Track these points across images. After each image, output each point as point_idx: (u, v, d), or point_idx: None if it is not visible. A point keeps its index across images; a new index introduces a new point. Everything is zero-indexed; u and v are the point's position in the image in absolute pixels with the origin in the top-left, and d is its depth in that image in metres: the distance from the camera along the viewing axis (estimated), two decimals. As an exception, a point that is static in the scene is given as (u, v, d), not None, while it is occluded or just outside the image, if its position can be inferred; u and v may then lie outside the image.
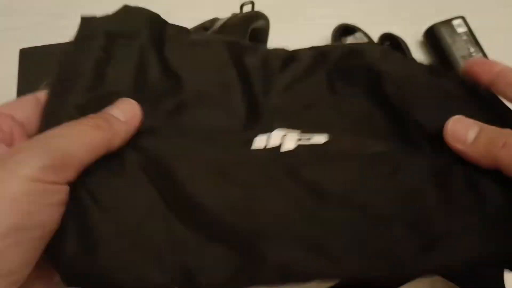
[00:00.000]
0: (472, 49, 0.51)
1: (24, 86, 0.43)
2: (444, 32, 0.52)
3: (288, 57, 0.27)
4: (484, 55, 0.51)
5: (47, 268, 0.20)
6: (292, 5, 0.57)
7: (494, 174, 0.22)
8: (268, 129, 0.24)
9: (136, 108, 0.23)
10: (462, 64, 0.50)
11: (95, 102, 0.23)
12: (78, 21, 0.26)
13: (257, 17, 0.41)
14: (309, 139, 0.24)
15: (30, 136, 0.22)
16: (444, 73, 0.26)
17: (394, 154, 0.24)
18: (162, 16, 0.28)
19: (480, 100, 0.25)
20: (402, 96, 0.25)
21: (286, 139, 0.24)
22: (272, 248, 0.21)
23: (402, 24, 0.56)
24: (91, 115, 0.22)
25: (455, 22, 0.53)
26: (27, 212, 0.18)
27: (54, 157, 0.19)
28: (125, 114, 0.22)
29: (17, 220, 0.18)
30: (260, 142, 0.24)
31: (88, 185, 0.21)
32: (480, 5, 0.57)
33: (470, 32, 0.52)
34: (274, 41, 0.47)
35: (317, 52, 0.28)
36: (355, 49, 0.28)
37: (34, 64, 0.44)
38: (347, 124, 0.25)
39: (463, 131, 0.23)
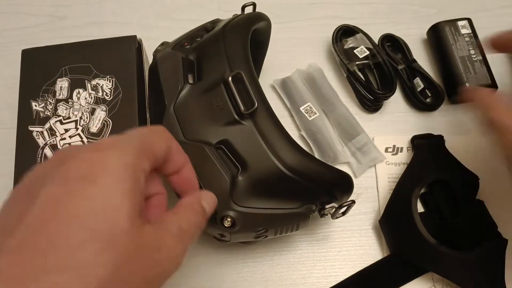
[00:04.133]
0: (472, 51, 0.51)
1: (26, 87, 0.43)
2: (448, 31, 0.52)
3: None
4: (484, 58, 0.51)
5: None
6: (293, 6, 0.58)
7: None
8: None
9: (216, 201, 0.29)
10: (460, 63, 0.50)
11: None
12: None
13: (259, 18, 0.41)
14: None
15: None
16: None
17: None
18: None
19: None
20: None
21: None
22: None
23: (403, 24, 0.56)
24: (196, 209, 0.26)
25: (461, 23, 0.53)
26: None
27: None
28: (210, 207, 0.28)
29: None
30: None
31: None
32: (484, 7, 0.57)
33: (474, 35, 0.52)
34: (275, 42, 0.48)
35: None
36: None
37: (36, 65, 0.44)
38: None
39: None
